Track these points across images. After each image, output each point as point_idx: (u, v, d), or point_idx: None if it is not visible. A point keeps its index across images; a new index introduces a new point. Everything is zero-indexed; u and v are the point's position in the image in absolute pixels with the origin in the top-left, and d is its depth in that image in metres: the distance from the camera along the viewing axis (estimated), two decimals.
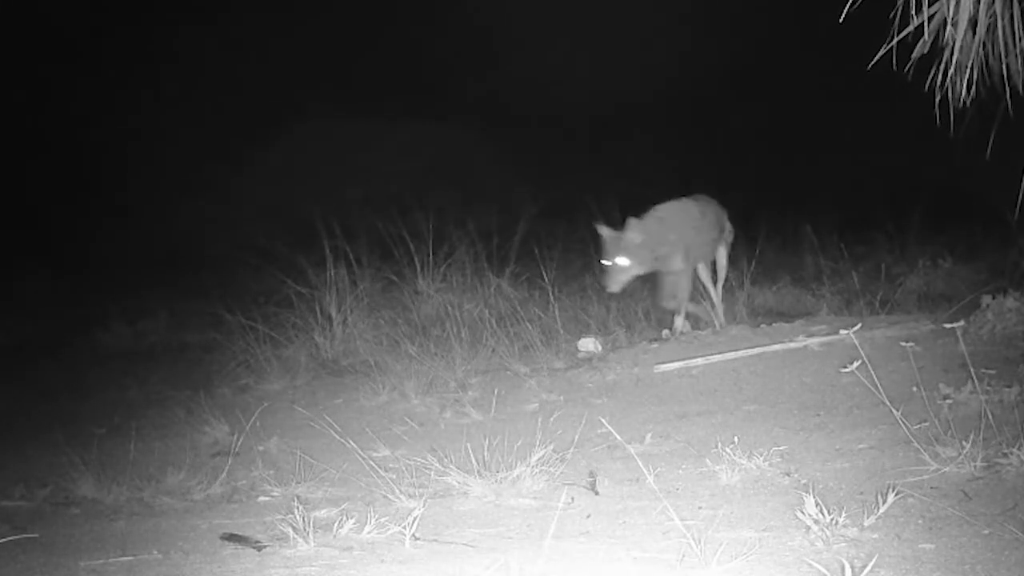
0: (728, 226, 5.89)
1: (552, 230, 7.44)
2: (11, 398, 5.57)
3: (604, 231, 5.28)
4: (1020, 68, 3.20)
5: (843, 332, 4.19)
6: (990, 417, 3.28)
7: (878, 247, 7.17)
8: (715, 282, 5.84)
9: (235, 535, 3.02)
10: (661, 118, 11.14)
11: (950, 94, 3.22)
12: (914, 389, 3.84)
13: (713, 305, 5.79)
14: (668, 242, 5.39)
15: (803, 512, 2.72)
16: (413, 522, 2.85)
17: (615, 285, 5.32)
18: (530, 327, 5.57)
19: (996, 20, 3.14)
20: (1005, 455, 3.11)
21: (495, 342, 5.44)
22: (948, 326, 4.25)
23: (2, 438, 4.65)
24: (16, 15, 9.77)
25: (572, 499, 3.21)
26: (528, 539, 2.86)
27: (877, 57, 3.18)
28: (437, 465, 3.46)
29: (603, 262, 5.32)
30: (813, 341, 4.83)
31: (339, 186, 9.13)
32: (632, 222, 5.29)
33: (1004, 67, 3.16)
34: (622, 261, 5.25)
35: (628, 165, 10.44)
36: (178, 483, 3.71)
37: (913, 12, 3.12)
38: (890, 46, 3.16)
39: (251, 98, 11.26)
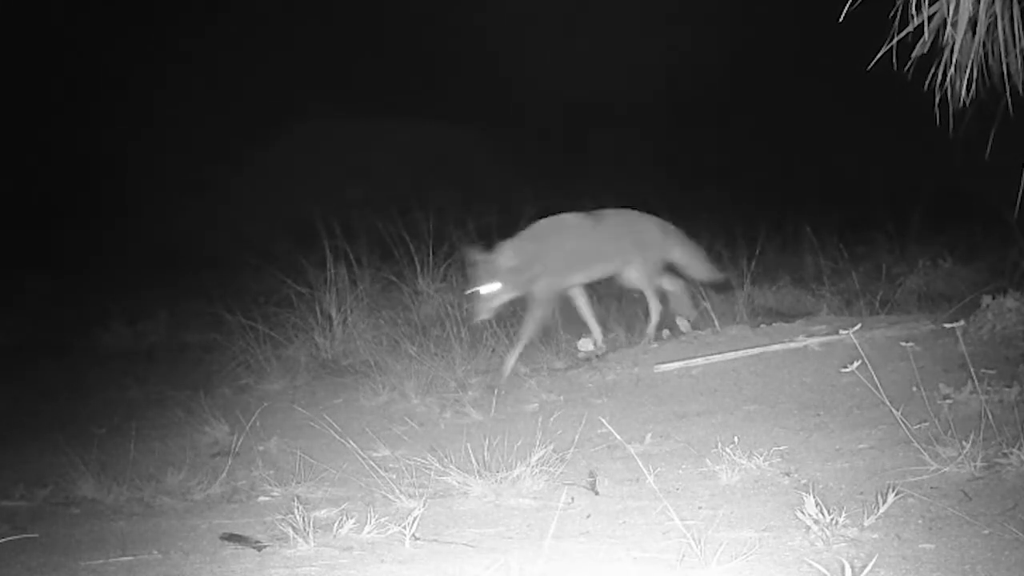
0: (675, 243, 5.55)
1: None
2: (11, 398, 5.56)
3: (474, 255, 5.06)
4: (1020, 68, 3.20)
5: (843, 332, 4.19)
6: (990, 417, 3.27)
7: (878, 247, 7.16)
8: (656, 297, 5.51)
9: (235, 535, 3.02)
10: (662, 118, 11.15)
11: (950, 94, 3.22)
12: (914, 389, 3.84)
13: (648, 319, 5.51)
14: (546, 262, 5.14)
15: (803, 512, 2.72)
16: (413, 522, 2.85)
17: (484, 312, 5.07)
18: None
19: (996, 20, 3.14)
20: (1005, 455, 3.11)
21: (495, 342, 5.43)
22: (948, 326, 4.24)
23: (2, 438, 4.65)
24: (16, 15, 9.78)
25: (572, 499, 3.21)
26: (528, 539, 2.86)
27: (877, 57, 3.18)
28: (437, 465, 3.46)
29: (472, 289, 5.07)
30: (813, 341, 4.83)
31: (339, 186, 9.13)
32: (504, 245, 5.08)
33: (1004, 67, 3.16)
34: (492, 288, 5.01)
35: (629, 165, 10.44)
36: (178, 483, 3.71)
37: (913, 12, 3.12)
38: (890, 46, 3.16)
39: (251, 98, 11.27)
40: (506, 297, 5.11)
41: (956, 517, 2.77)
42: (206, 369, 5.82)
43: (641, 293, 5.60)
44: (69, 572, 2.76)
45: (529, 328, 5.17)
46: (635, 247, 5.43)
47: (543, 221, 5.32)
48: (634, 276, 5.49)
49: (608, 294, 5.85)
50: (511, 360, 5.12)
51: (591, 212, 5.43)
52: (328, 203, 6.68)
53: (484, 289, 5.02)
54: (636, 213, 5.58)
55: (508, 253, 5.06)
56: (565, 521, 2.96)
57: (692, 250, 5.68)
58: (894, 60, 3.19)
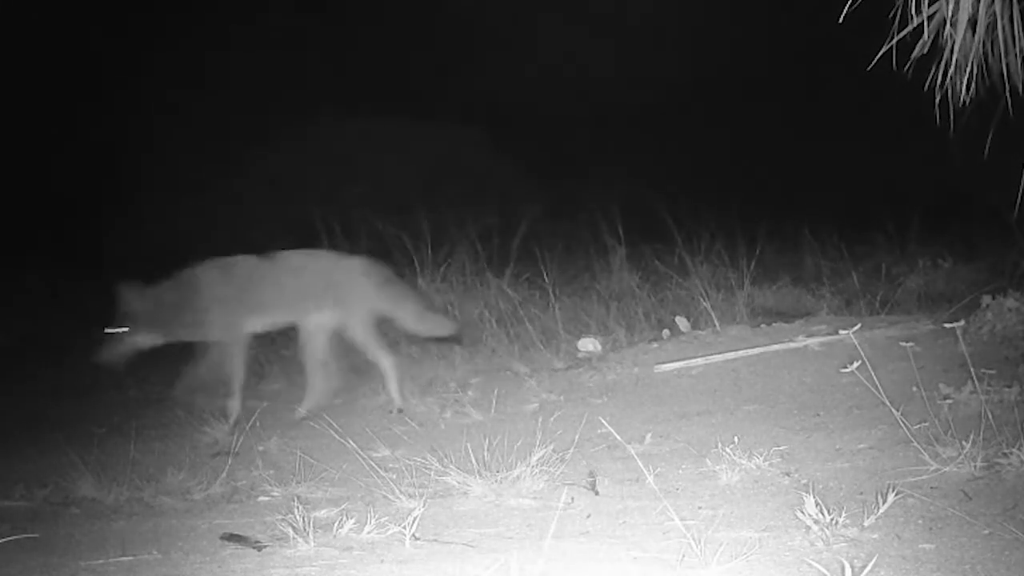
0: (379, 293, 4.87)
1: (554, 230, 7.46)
2: (11, 398, 5.57)
3: (123, 293, 4.66)
4: (1020, 68, 3.20)
5: (843, 332, 4.19)
6: (990, 417, 3.28)
7: (878, 247, 7.17)
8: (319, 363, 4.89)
9: (235, 535, 3.02)
10: (663, 118, 11.14)
11: (950, 94, 3.22)
12: (914, 389, 3.84)
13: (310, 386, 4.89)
14: (199, 309, 4.71)
15: (803, 512, 2.72)
16: (413, 522, 2.85)
17: (108, 355, 4.69)
18: (530, 327, 5.57)
19: (996, 20, 3.14)
20: (1005, 455, 3.11)
21: (495, 342, 5.44)
22: (948, 326, 4.24)
23: (2, 438, 4.65)
24: (16, 16, 9.78)
25: (572, 499, 3.21)
26: (528, 539, 2.86)
27: (877, 57, 3.18)
28: (437, 465, 3.46)
29: (109, 329, 4.69)
30: (813, 341, 4.83)
31: (339, 186, 9.14)
32: (134, 288, 4.69)
33: (1004, 67, 3.16)
34: (122, 331, 4.66)
35: (630, 165, 10.44)
36: (178, 483, 3.71)
37: (913, 12, 3.13)
38: (890, 46, 3.16)
39: (252, 98, 11.27)
40: (141, 343, 4.74)
41: (956, 517, 2.77)
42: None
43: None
44: (69, 572, 2.76)
45: (230, 372, 4.75)
46: (323, 294, 4.82)
47: (204, 265, 4.85)
48: (325, 325, 4.86)
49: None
50: (234, 404, 4.71)
51: (268, 255, 4.87)
52: (328, 203, 6.68)
53: (113, 330, 4.67)
54: (329, 255, 5.07)
55: (138, 298, 4.70)
56: (565, 521, 2.96)
57: (404, 300, 5.00)
58: (894, 60, 3.19)
